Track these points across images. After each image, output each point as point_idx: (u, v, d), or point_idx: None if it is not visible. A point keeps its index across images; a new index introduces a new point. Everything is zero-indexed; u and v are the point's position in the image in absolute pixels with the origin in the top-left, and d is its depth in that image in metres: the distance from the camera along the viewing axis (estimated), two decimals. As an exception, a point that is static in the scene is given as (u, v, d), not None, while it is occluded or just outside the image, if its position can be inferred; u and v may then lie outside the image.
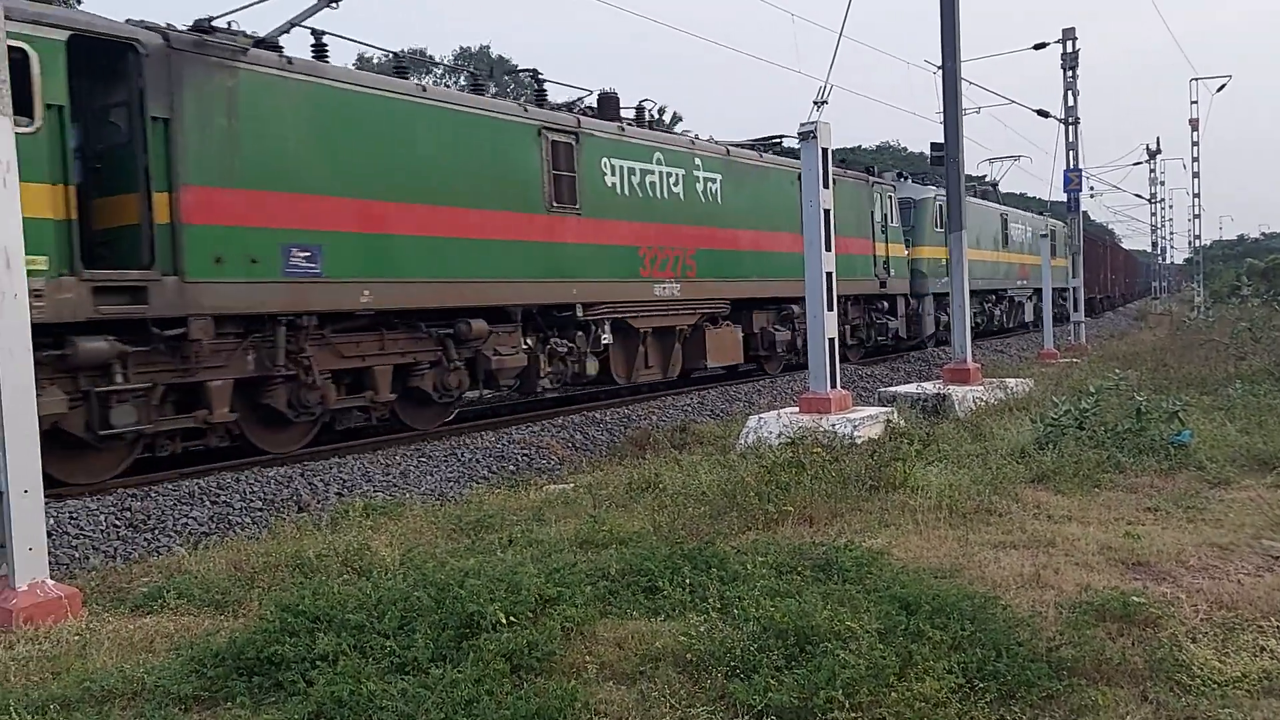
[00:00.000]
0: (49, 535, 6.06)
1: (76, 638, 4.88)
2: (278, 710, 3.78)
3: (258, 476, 8.95)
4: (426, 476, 9.60)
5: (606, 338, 14.03)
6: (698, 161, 15.87)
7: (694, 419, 13.05)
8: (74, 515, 7.41)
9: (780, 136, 19.37)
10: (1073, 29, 26.44)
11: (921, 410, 11.84)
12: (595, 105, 14.86)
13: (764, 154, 17.98)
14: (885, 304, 22.27)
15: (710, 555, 5.30)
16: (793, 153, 18.00)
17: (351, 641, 4.17)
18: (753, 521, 6.47)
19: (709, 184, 16.05)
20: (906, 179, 26.06)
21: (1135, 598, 4.58)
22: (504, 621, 4.22)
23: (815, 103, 13.27)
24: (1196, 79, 58.20)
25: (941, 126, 14.71)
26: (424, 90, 11.54)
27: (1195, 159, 46.41)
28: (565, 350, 13.27)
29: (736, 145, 17.74)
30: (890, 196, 22.59)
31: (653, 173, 14.70)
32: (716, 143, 17.10)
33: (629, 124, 14.83)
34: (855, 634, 3.95)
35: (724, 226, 16.32)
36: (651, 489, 7.80)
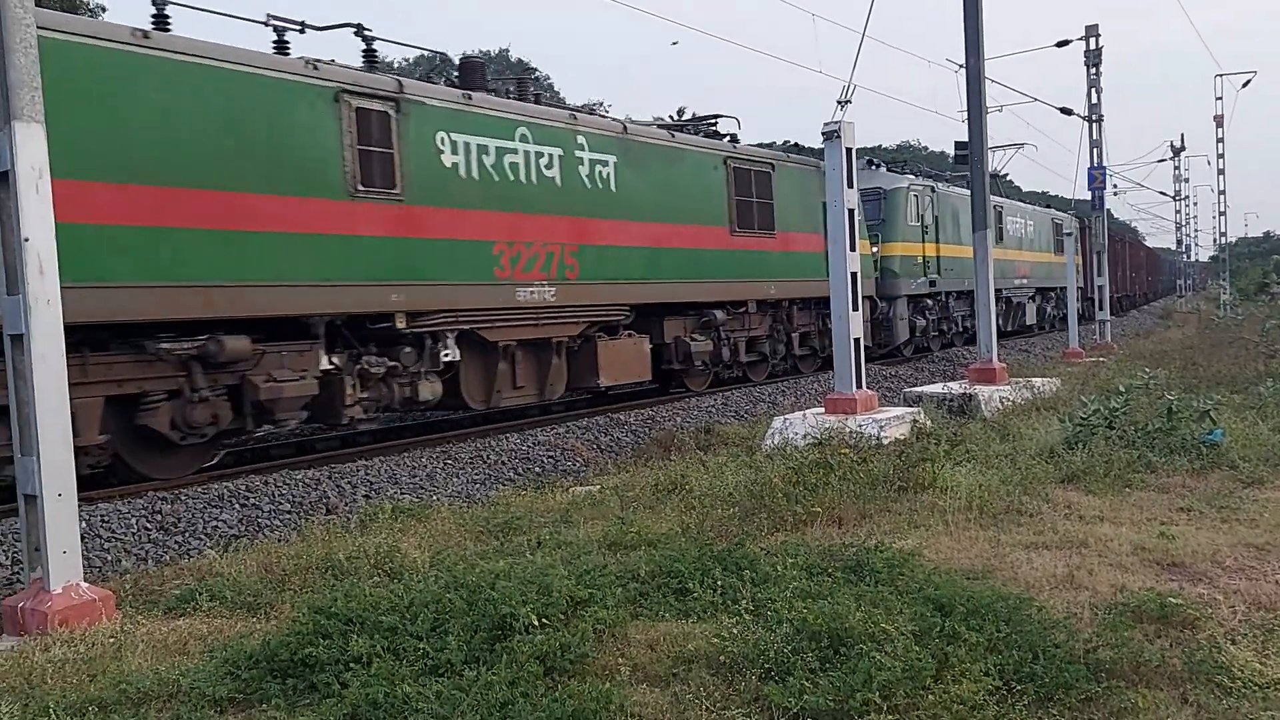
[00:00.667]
0: (81, 538, 6.12)
1: (111, 640, 4.91)
2: (313, 712, 3.80)
3: (286, 479, 9.00)
4: (453, 479, 9.63)
5: (450, 354, 11.30)
6: (581, 140, 13.05)
7: (718, 420, 13.03)
8: (105, 518, 7.48)
9: (715, 117, 17.17)
10: (1096, 25, 26.25)
11: (947, 410, 11.78)
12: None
13: (677, 134, 15.11)
14: None
15: (740, 557, 5.28)
16: (722, 135, 16.80)
17: (385, 643, 4.18)
18: (781, 523, 6.45)
19: (597, 167, 13.25)
20: (878, 166, 23.14)
21: (1172, 599, 4.53)
22: (536, 624, 4.22)
23: (839, 102, 13.07)
24: (1221, 75, 57.66)
25: (963, 125, 14.61)
26: (145, 36, 8.56)
27: (1220, 155, 45.92)
28: (384, 371, 10.56)
29: (642, 124, 15.22)
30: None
31: (515, 152, 11.94)
32: (613, 119, 14.60)
33: (492, 94, 12.32)
34: (890, 636, 3.92)
35: (621, 218, 13.51)
36: (678, 490, 7.79)
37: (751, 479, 7.54)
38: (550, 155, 12.52)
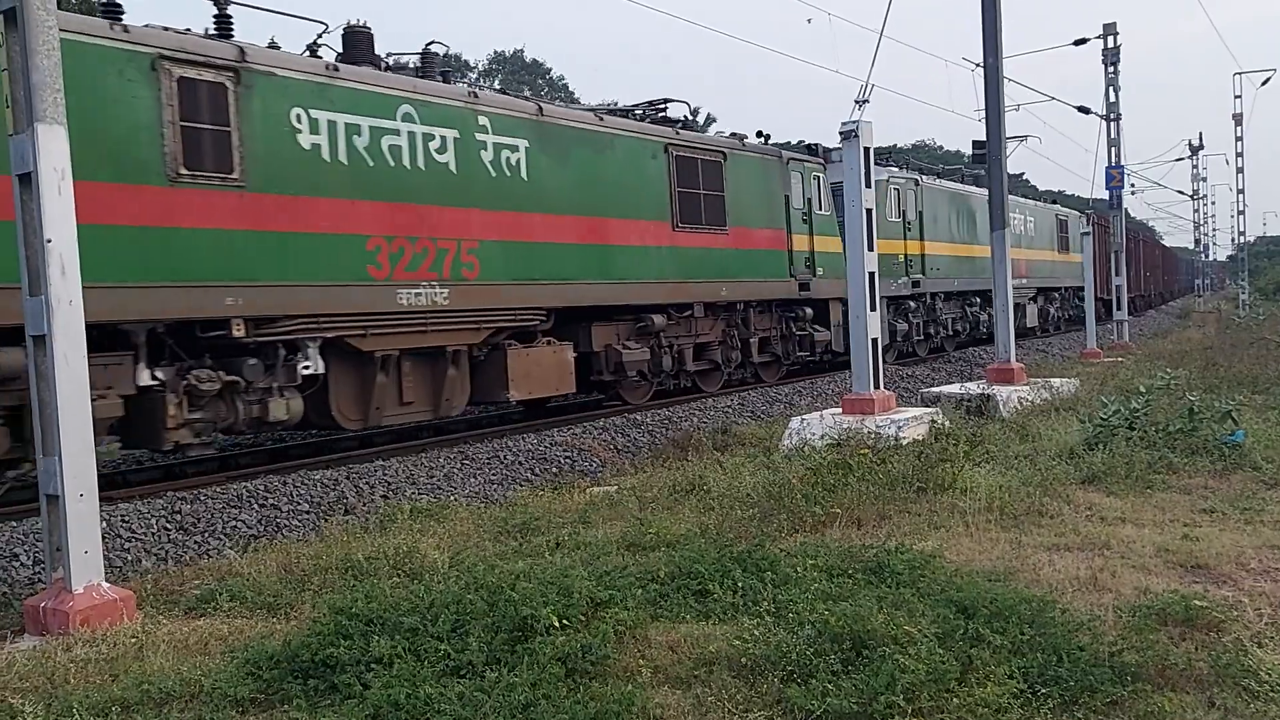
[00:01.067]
0: (101, 538, 6.14)
1: (132, 640, 4.92)
2: (334, 713, 3.80)
3: (304, 480, 9.03)
4: (470, 479, 9.64)
5: (311, 366, 9.68)
6: (483, 122, 11.31)
7: (735, 420, 13.02)
8: (125, 518, 7.52)
9: (665, 101, 15.47)
10: (1114, 24, 26.10)
11: (966, 411, 11.72)
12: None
13: (607, 118, 13.57)
14: (809, 310, 17.48)
15: (760, 558, 5.26)
16: (674, 121, 15.20)
17: (406, 644, 4.18)
18: (800, 524, 6.42)
19: (504, 153, 11.53)
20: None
21: (1197, 601, 4.49)
22: (557, 625, 4.21)
23: (856, 101, 13.00)
24: (1240, 73, 57.15)
25: (978, 123, 14.51)
26: None
27: (1239, 154, 45.63)
28: (219, 387, 9.03)
29: (560, 105, 13.98)
30: (817, 178, 17.84)
31: (396, 134, 10.32)
32: (525, 98, 13.48)
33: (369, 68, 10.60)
34: (913, 638, 3.89)
35: (534, 211, 11.86)
36: (696, 491, 7.78)
37: (770, 480, 7.53)
38: (443, 138, 10.79)
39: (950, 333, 23.77)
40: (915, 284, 21.37)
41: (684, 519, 6.80)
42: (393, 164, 10.27)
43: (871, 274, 10.32)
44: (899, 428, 9.33)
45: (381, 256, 10.08)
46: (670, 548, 5.89)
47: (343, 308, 9.73)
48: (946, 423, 10.03)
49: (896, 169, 21.88)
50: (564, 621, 4.26)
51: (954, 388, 13.53)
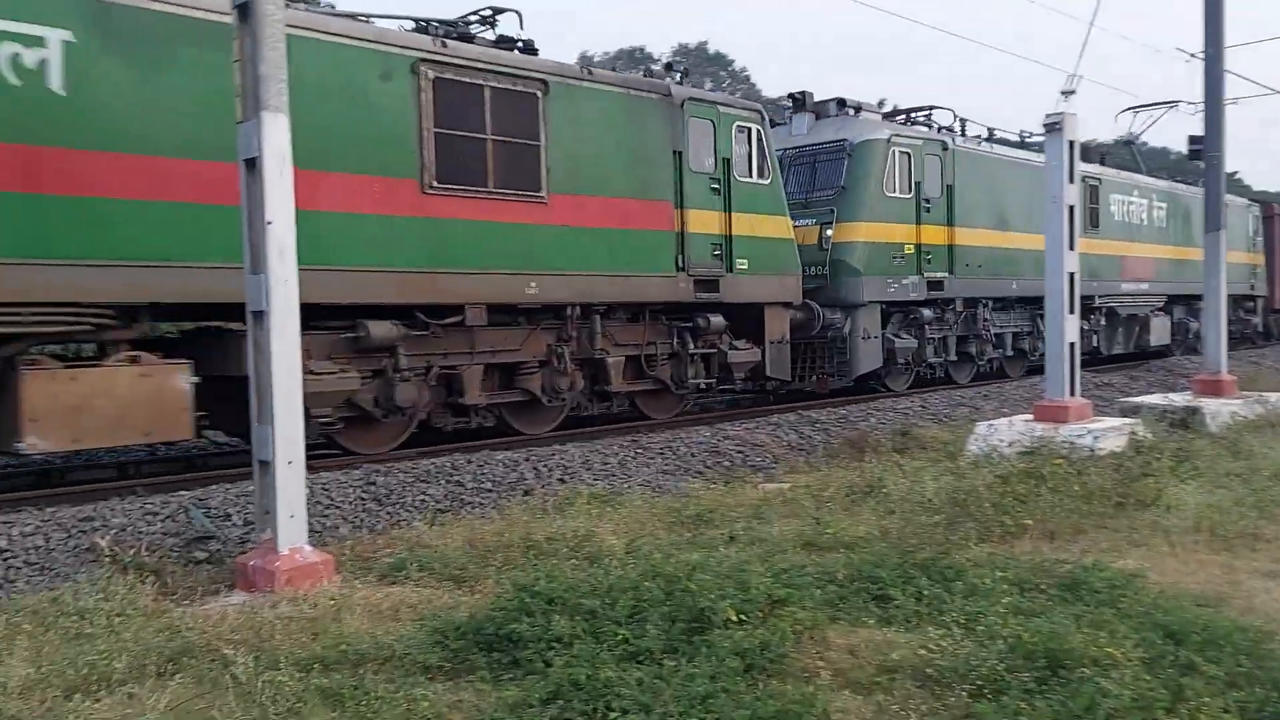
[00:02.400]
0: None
1: (331, 602, 5.20)
2: (517, 687, 3.90)
3: (487, 459, 9.33)
4: (643, 468, 9.74)
5: None
6: None
7: (915, 422, 12.62)
8: (325, 486, 7.96)
9: (494, 10, 11.01)
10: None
11: (1169, 423, 10.97)
12: None
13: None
14: (712, 319, 12.40)
15: (945, 566, 5.09)
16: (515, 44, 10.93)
17: (585, 626, 4.25)
18: (988, 534, 6.17)
19: (10, 48, 7.32)
20: (856, 112, 15.84)
21: None
22: (734, 619, 4.19)
23: (1063, 93, 12.31)
24: None
25: (1193, 119, 13.44)
26: None
27: None
28: None
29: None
30: (749, 131, 12.79)
31: None
32: None
33: None
34: (1116, 661, 3.67)
35: (92, 147, 7.68)
36: (874, 493, 7.59)
37: (954, 486, 7.26)
38: None
39: (1012, 351, 18.09)
40: (935, 284, 15.93)
41: (862, 521, 6.64)
42: None
43: (1071, 274, 9.78)
44: (1095, 438, 8.82)
45: None
46: (848, 549, 5.77)
47: None
48: (1148, 435, 9.42)
49: (905, 125, 16.53)
50: (741, 616, 4.24)
51: (1155, 398, 12.69)
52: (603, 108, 11.21)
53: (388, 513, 7.83)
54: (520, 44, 11.04)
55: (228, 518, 7.25)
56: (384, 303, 9.46)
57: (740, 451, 10.73)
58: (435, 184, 9.72)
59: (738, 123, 12.69)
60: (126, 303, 8.05)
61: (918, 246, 15.61)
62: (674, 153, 11.88)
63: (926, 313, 15.91)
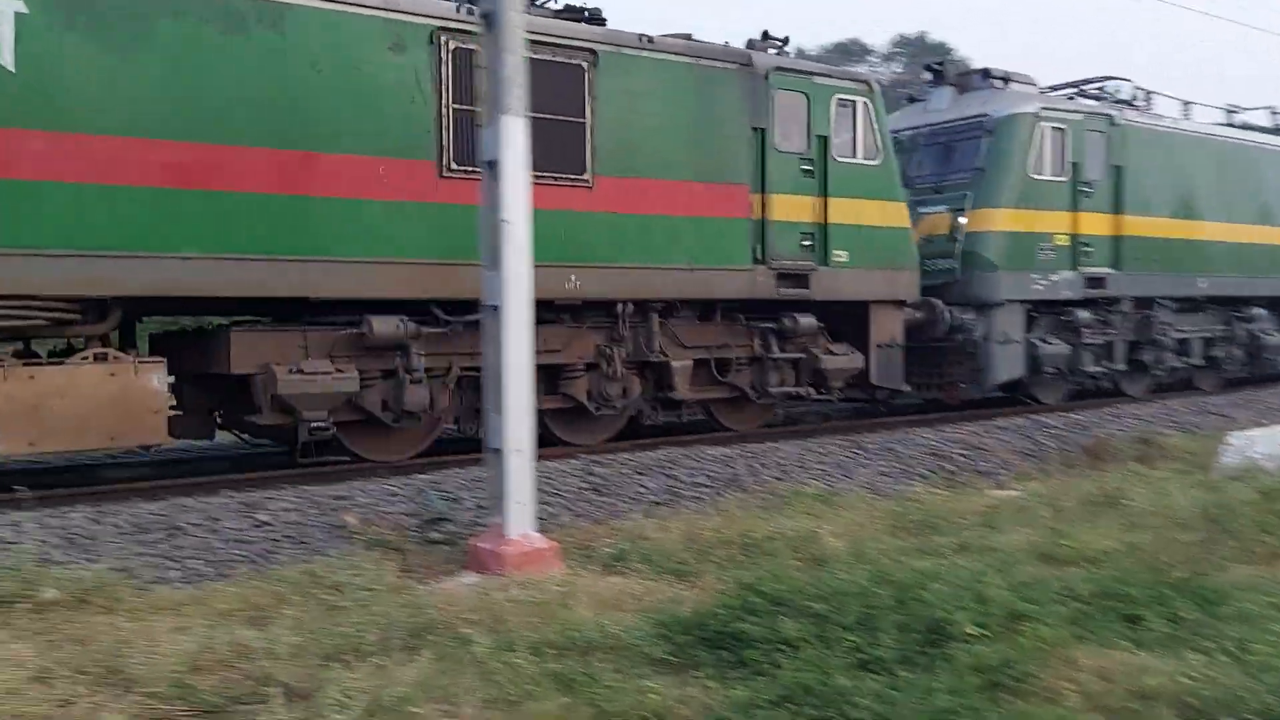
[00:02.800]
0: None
1: (558, 589, 5.36)
2: (745, 687, 3.87)
3: (700, 454, 9.37)
4: (861, 469, 9.52)
5: None
6: None
7: (1157, 430, 11.74)
8: (549, 476, 8.22)
9: None
10: None
11: None
12: None
13: None
14: (802, 320, 10.79)
15: (1204, 588, 4.68)
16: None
17: (813, 630, 4.18)
18: (1249, 554, 5.65)
19: None
20: (1005, 82, 13.71)
21: None
22: (973, 632, 4.01)
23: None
24: None
25: None
26: None
27: None
28: None
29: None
30: (855, 105, 11.19)
31: None
32: None
33: None
34: None
35: (40, 126, 7.15)
36: (1115, 504, 7.11)
37: (1208, 500, 6.70)
38: None
39: (1202, 360, 15.17)
40: (1095, 281, 13.52)
41: (1105, 534, 6.22)
42: None
43: None
44: (1377, 454, 7.90)
45: None
46: (1090, 564, 5.43)
47: None
48: None
49: (1059, 95, 14.22)
50: (980, 630, 4.05)
51: None
52: (665, 80, 9.89)
53: (606, 503, 8.01)
54: (587, 12, 9.96)
55: (459, 501, 7.61)
56: (392, 297, 8.60)
57: (965, 455, 10.32)
58: (454, 165, 8.72)
59: (838, 95, 11.09)
60: (86, 296, 7.50)
61: (1073, 237, 13.32)
62: (754, 130, 10.43)
63: (1083, 314, 13.45)
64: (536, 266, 8.10)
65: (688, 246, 10.06)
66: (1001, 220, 12.82)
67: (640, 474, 8.64)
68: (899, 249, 11.59)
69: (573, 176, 9.35)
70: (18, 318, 7.20)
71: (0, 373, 7.07)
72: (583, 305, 9.71)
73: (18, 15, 6.94)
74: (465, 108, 8.62)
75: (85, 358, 7.53)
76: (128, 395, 7.51)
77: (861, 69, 11.18)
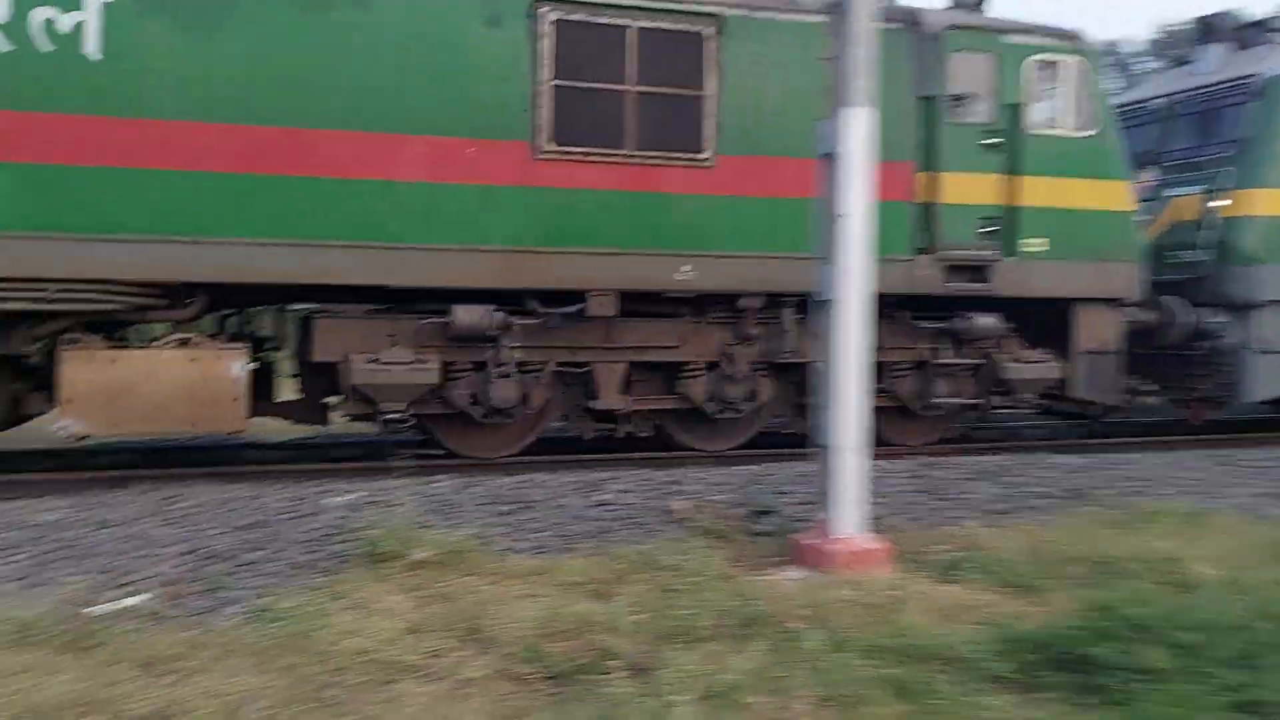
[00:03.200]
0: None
1: (889, 592, 5.21)
2: (1098, 716, 3.58)
3: (1039, 462, 8.81)
4: (1236, 488, 8.49)
5: None
6: None
7: None
8: (876, 475, 8.04)
9: None
10: None
11: None
12: None
13: None
14: (980, 320, 9.56)
15: None
16: None
17: (1181, 662, 3.78)
18: None
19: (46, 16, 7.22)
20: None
21: None
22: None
23: None
24: None
25: None
26: None
27: None
28: None
29: None
30: (1062, 65, 9.63)
31: None
32: None
33: None
34: None
35: (120, 113, 7.40)
36: None
37: None
38: None
39: None
40: None
41: None
42: None
43: None
44: None
45: None
46: None
47: None
48: None
49: None
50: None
51: None
52: (805, 45, 8.50)
53: (937, 508, 7.71)
54: None
55: (785, 494, 7.62)
56: (479, 287, 8.25)
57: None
58: (551, 144, 8.34)
59: (1036, 57, 9.56)
60: (166, 281, 7.67)
61: None
62: (921, 99, 9.21)
63: None
64: (639, 254, 8.45)
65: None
66: (1267, 203, 10.61)
67: (972, 479, 8.25)
68: (1114, 237, 9.85)
69: (689, 156, 8.69)
70: (99, 301, 7.44)
71: (85, 355, 7.40)
72: (706, 299, 9.03)
73: (105, 6, 7.24)
74: (567, 83, 8.29)
75: (168, 343, 7.75)
76: (207, 382, 7.65)
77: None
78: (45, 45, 7.12)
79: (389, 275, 8.01)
